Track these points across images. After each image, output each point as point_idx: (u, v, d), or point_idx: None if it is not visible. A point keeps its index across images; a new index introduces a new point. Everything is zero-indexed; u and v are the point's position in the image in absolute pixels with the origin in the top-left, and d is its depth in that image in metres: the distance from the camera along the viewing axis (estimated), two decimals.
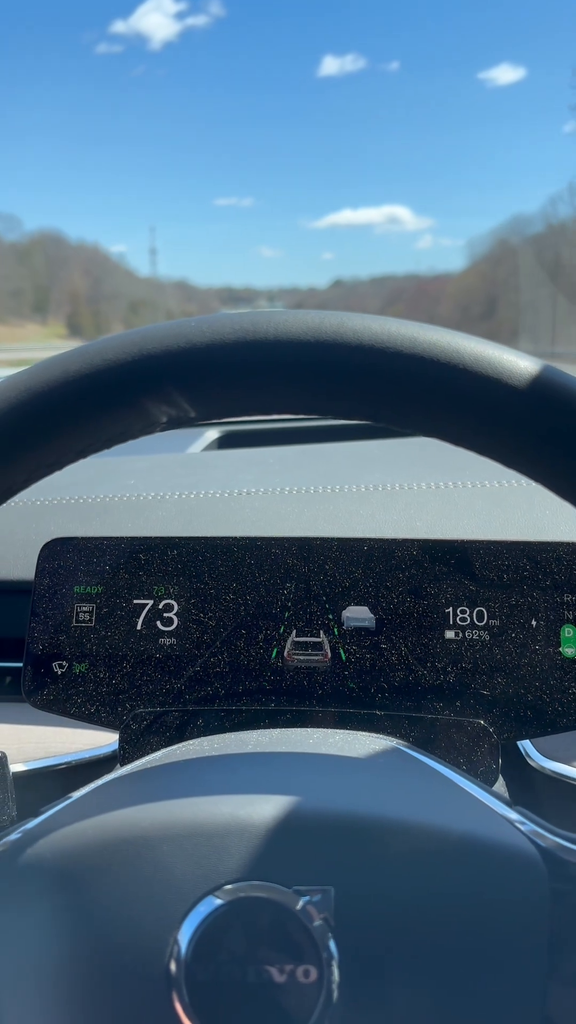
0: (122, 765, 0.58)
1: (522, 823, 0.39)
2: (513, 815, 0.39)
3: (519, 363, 0.35)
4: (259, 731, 0.48)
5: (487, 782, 0.57)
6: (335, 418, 0.38)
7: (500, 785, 0.61)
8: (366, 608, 0.59)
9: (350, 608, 0.59)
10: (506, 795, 0.62)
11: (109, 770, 0.66)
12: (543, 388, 0.35)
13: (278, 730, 0.48)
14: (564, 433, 0.35)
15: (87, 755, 0.70)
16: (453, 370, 0.35)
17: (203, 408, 0.37)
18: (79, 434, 0.37)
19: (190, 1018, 0.33)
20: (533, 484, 0.39)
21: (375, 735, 0.50)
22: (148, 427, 0.37)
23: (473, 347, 0.36)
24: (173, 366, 0.35)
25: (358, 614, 0.59)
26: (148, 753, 0.51)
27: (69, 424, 0.36)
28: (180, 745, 0.47)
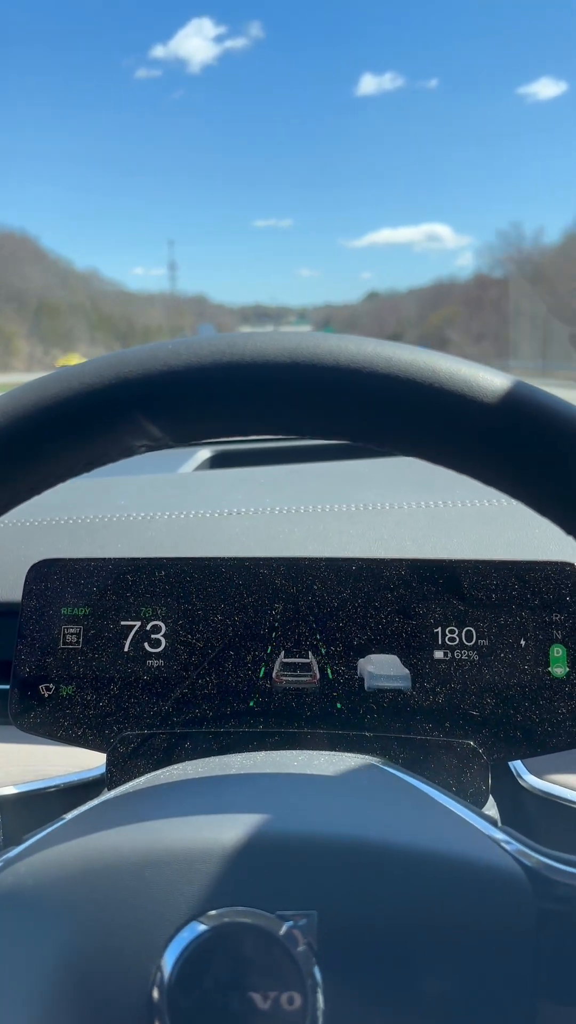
0: (109, 788, 0.58)
1: (508, 843, 0.38)
2: (499, 835, 0.39)
3: (493, 381, 0.35)
4: (243, 754, 0.48)
5: (477, 803, 0.56)
6: (314, 438, 0.38)
7: (491, 805, 0.60)
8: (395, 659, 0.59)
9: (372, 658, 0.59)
10: (496, 815, 0.62)
11: (97, 793, 0.66)
12: (515, 405, 0.35)
13: (263, 753, 0.48)
14: (538, 451, 0.35)
15: (75, 778, 0.69)
16: (428, 389, 0.35)
17: (177, 434, 0.37)
18: (55, 461, 0.36)
19: None
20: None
21: (361, 756, 0.49)
22: (125, 452, 0.37)
23: (447, 366, 0.36)
24: (142, 396, 0.35)
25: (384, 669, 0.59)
26: (135, 776, 0.51)
27: (45, 450, 0.36)
28: (164, 770, 0.47)
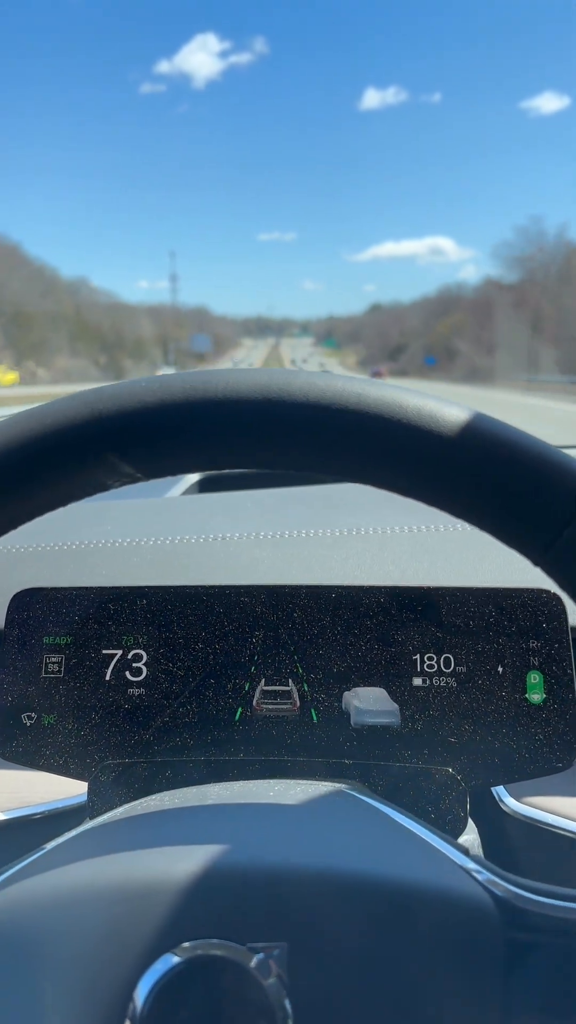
0: (91, 817, 0.58)
1: (479, 872, 0.39)
2: (470, 864, 0.39)
3: (450, 413, 0.36)
4: (221, 784, 0.48)
5: (455, 829, 0.57)
6: (286, 471, 0.39)
7: (471, 830, 0.61)
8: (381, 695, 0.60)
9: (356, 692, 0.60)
10: (477, 840, 0.62)
11: (79, 820, 0.66)
12: (469, 438, 0.36)
13: (239, 783, 0.48)
14: (493, 480, 0.36)
15: (57, 805, 0.70)
16: (391, 424, 0.36)
17: (150, 470, 0.37)
18: (28, 497, 0.37)
19: None
20: None
21: (336, 785, 0.50)
22: (98, 488, 0.38)
23: (404, 400, 0.37)
24: (111, 435, 0.36)
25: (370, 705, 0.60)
26: (117, 804, 0.51)
27: (18, 487, 0.37)
28: (140, 801, 0.47)
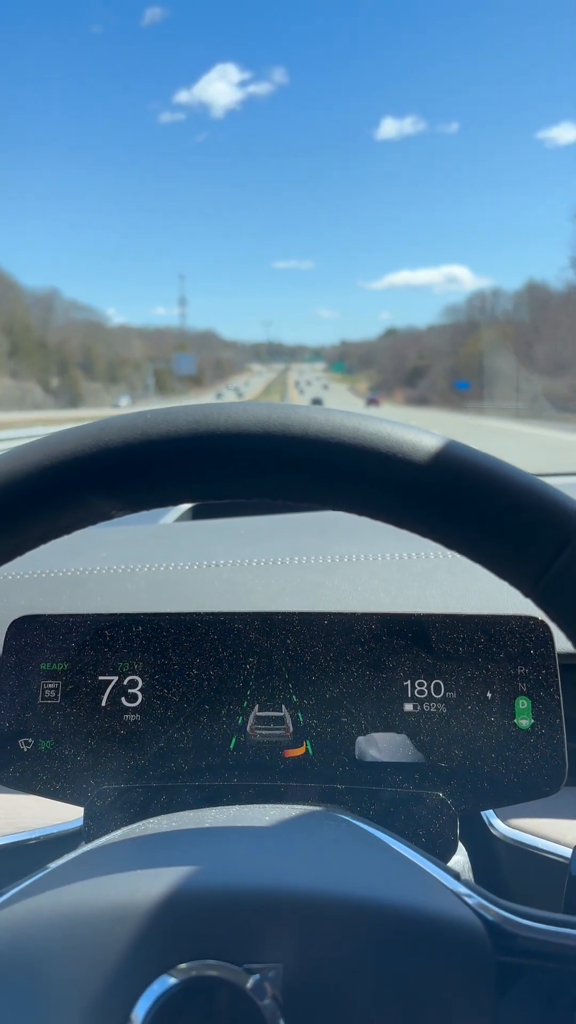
0: (87, 842, 0.58)
1: (469, 896, 0.40)
2: (460, 888, 0.40)
3: (421, 441, 0.38)
4: (216, 808, 0.49)
5: (446, 853, 0.58)
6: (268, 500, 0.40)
7: (461, 853, 0.62)
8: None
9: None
10: (467, 864, 0.63)
11: (75, 845, 0.67)
12: (443, 465, 0.37)
13: (235, 807, 0.49)
14: (483, 513, 0.37)
15: (53, 830, 0.70)
16: (359, 452, 0.37)
17: (131, 506, 0.39)
18: (12, 534, 0.39)
19: None
20: None
21: (328, 810, 0.51)
22: (77, 524, 0.40)
23: (377, 429, 0.38)
24: (88, 476, 0.37)
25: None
26: (112, 829, 0.52)
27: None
28: (138, 824, 0.48)
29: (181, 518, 1.51)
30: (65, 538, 0.41)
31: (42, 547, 0.41)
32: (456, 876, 0.42)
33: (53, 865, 0.45)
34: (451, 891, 0.40)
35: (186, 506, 1.57)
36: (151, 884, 0.38)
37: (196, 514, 1.58)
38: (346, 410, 0.40)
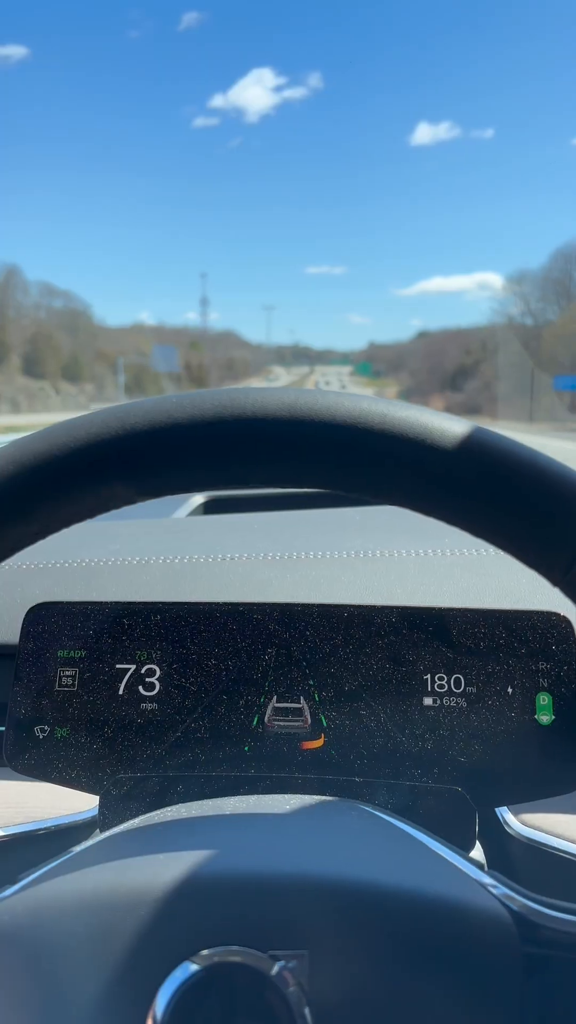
0: (102, 831, 0.58)
1: (494, 887, 0.39)
2: (486, 879, 0.40)
3: (453, 428, 0.37)
4: (236, 797, 0.49)
5: (464, 847, 0.57)
6: (288, 487, 0.40)
7: (477, 851, 0.61)
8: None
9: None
10: (483, 860, 0.62)
11: (89, 835, 0.66)
12: (474, 451, 0.37)
13: (255, 796, 0.49)
14: (514, 502, 0.37)
15: (68, 820, 0.70)
16: (389, 438, 0.37)
17: (154, 492, 0.38)
18: (42, 513, 0.38)
19: None
20: None
21: (351, 801, 0.50)
22: (101, 507, 0.39)
23: (406, 414, 0.38)
24: (115, 460, 0.37)
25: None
26: (127, 819, 0.52)
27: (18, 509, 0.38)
28: (158, 812, 0.48)
29: (193, 513, 1.51)
30: (75, 532, 0.40)
31: (55, 538, 0.41)
32: (481, 866, 0.42)
33: (76, 849, 0.44)
34: (476, 881, 0.40)
35: (198, 501, 1.56)
36: (173, 869, 0.38)
37: (208, 509, 1.57)
38: (374, 396, 0.39)
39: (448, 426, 0.38)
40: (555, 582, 0.39)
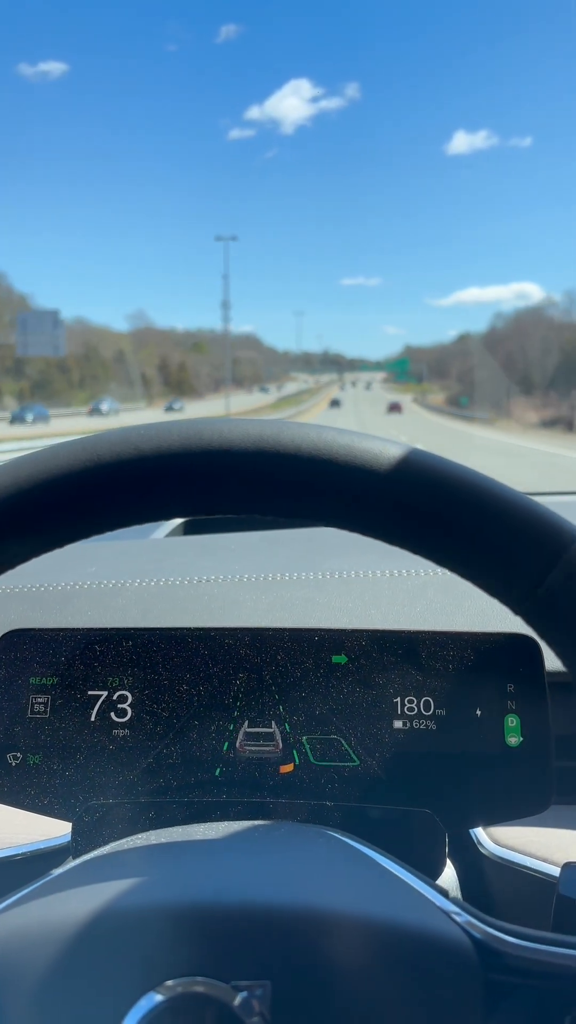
0: (74, 857, 0.58)
1: (457, 914, 0.40)
2: (449, 906, 0.40)
3: (411, 458, 0.38)
4: (205, 824, 0.49)
5: (434, 870, 0.58)
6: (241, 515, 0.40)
7: (449, 870, 0.62)
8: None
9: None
10: (455, 881, 0.63)
11: (62, 861, 0.66)
12: (433, 482, 0.38)
13: (224, 823, 0.49)
14: (473, 532, 0.38)
15: (41, 846, 0.70)
16: (349, 469, 0.38)
17: (120, 523, 0.39)
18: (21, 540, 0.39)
19: None
20: None
21: (318, 827, 0.51)
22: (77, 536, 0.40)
23: (368, 446, 0.38)
24: (76, 495, 0.38)
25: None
26: (100, 845, 0.52)
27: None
28: (126, 840, 0.48)
29: (172, 533, 1.51)
30: (53, 553, 0.41)
31: (31, 561, 0.41)
32: (445, 893, 0.42)
33: (40, 880, 0.44)
34: (440, 908, 0.40)
35: (177, 521, 1.56)
36: (137, 900, 0.38)
37: (187, 529, 1.57)
38: (339, 428, 0.40)
39: (404, 456, 0.38)
40: (516, 611, 0.40)
